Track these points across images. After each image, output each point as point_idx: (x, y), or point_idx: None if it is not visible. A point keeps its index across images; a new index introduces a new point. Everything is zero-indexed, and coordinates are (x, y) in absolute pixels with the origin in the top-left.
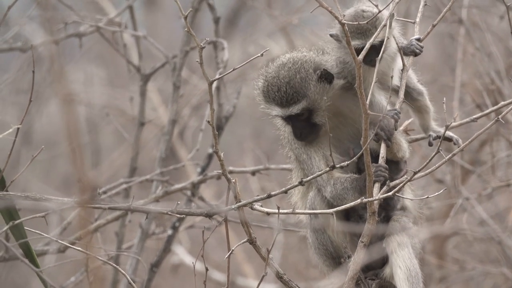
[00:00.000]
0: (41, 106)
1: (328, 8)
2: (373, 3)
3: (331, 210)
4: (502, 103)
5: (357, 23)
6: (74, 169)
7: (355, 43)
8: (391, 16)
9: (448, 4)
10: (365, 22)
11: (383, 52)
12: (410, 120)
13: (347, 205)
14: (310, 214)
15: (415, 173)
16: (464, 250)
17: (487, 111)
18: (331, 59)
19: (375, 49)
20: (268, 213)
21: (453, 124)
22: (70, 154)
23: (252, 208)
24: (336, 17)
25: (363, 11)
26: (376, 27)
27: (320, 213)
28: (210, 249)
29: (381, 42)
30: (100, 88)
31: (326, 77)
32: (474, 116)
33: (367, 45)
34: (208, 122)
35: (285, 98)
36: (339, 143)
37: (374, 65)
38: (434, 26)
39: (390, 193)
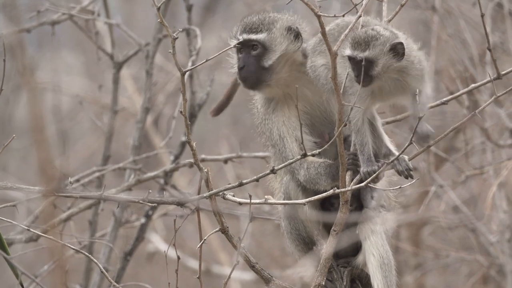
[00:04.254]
0: (19, 95)
1: None
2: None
3: (303, 201)
4: (473, 85)
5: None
6: (39, 159)
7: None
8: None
9: None
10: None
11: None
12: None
13: (320, 196)
14: (282, 204)
15: (387, 163)
16: (439, 237)
17: (458, 93)
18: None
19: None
20: (240, 203)
21: None
22: (35, 144)
23: (224, 198)
24: (312, 9)
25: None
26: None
27: (292, 204)
28: (187, 237)
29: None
30: (76, 76)
31: (294, 32)
32: (444, 99)
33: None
34: (181, 112)
35: (249, 25)
36: (313, 127)
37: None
38: (402, 6)
39: (362, 184)
